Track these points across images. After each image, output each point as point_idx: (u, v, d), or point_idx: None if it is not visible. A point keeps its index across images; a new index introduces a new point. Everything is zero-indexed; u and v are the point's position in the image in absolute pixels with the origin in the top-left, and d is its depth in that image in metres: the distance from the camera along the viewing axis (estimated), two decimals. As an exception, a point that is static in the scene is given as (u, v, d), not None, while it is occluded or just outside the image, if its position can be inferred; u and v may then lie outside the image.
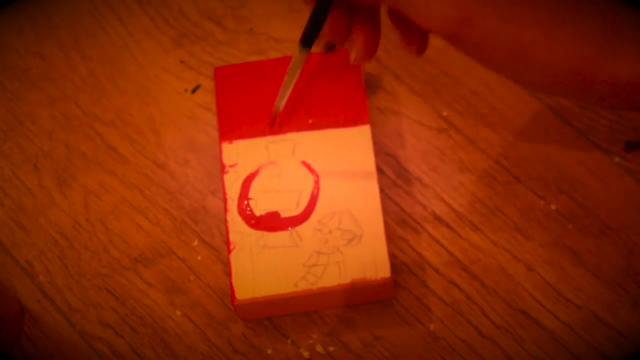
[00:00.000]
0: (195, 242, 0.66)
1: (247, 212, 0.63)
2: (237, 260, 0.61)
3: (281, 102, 0.62)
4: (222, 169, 0.64)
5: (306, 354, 0.61)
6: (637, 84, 0.47)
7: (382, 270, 0.60)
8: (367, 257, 0.60)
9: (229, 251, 0.62)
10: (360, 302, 0.62)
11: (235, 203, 0.63)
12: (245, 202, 0.63)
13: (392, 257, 0.63)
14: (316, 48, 0.56)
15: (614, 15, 0.46)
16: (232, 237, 0.62)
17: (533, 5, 0.46)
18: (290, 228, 0.62)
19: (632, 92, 0.47)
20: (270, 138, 0.65)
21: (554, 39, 0.46)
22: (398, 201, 0.65)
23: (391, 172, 0.66)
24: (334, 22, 0.53)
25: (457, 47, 0.49)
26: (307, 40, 0.54)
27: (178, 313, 0.64)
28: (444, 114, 0.68)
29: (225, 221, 0.63)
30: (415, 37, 0.53)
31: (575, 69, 0.47)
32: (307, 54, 0.55)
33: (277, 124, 0.64)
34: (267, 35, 0.72)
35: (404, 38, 0.54)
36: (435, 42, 0.56)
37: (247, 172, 0.64)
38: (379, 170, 0.66)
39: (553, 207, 0.64)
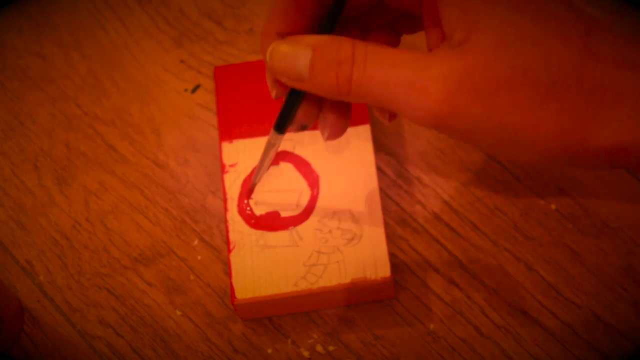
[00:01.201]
0: (195, 242, 0.66)
1: (247, 212, 0.63)
2: (237, 260, 0.61)
3: (258, 177, 0.62)
4: (222, 168, 0.64)
5: (306, 354, 0.61)
6: (622, 149, 0.48)
7: (382, 269, 0.60)
8: (367, 257, 0.60)
9: (229, 251, 0.62)
10: (360, 301, 0.62)
11: (235, 203, 0.63)
12: (245, 201, 0.63)
13: (392, 256, 0.63)
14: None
15: (594, 81, 0.47)
16: (232, 236, 0.62)
17: (515, 89, 0.47)
18: (290, 228, 0.62)
19: (619, 157, 0.48)
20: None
21: (538, 119, 0.47)
22: (398, 201, 0.65)
23: (391, 172, 0.66)
24: (305, 111, 0.54)
25: (444, 134, 0.50)
26: (281, 128, 0.56)
27: (178, 313, 0.64)
28: (444, 113, 0.68)
29: (225, 221, 0.63)
30: (334, 129, 0.55)
31: (561, 143, 0.48)
32: (282, 138, 0.57)
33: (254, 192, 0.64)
34: (267, 35, 0.72)
35: (376, 111, 0.56)
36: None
37: (247, 172, 0.64)
38: (379, 170, 0.66)
39: (553, 207, 0.64)
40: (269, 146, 0.58)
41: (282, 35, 0.52)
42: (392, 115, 0.55)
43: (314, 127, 0.55)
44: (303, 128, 0.55)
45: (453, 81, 0.47)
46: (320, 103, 0.55)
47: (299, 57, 0.50)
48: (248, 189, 0.63)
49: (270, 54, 0.51)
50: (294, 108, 0.54)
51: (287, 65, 0.50)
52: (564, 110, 0.47)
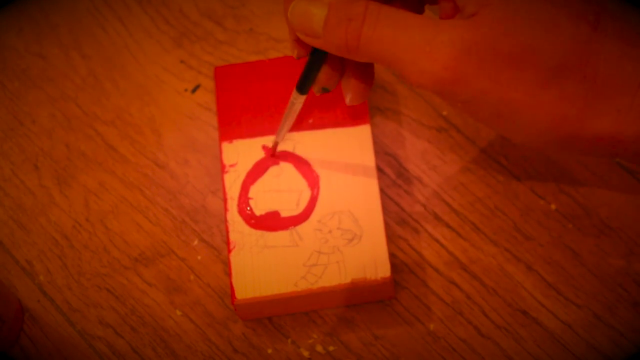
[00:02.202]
0: (195, 242, 0.66)
1: (247, 212, 0.63)
2: (237, 260, 0.61)
3: (280, 136, 0.63)
4: (222, 168, 0.64)
5: (306, 354, 0.61)
6: (617, 139, 0.48)
7: (382, 269, 0.60)
8: (367, 257, 0.60)
9: (229, 251, 0.62)
10: (360, 301, 0.62)
11: (236, 203, 0.63)
12: (246, 201, 0.63)
13: (392, 256, 0.63)
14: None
15: (597, 69, 0.48)
16: (232, 236, 0.62)
17: (519, 67, 0.48)
18: (290, 228, 0.62)
19: (613, 147, 0.49)
20: (270, 138, 0.65)
21: (538, 101, 0.48)
22: (398, 201, 0.65)
23: (391, 172, 0.66)
24: (327, 72, 0.56)
25: (444, 101, 0.51)
26: (302, 88, 0.58)
27: (178, 313, 0.64)
28: (444, 113, 0.68)
29: (225, 221, 0.63)
30: (355, 89, 0.57)
31: (557, 128, 0.49)
32: (304, 98, 0.59)
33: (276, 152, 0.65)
34: (267, 35, 0.72)
35: (344, 86, 0.57)
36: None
37: (247, 172, 0.64)
38: (379, 170, 0.66)
39: (553, 207, 0.64)
40: (291, 107, 0.60)
41: None
42: (354, 97, 0.57)
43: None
44: (324, 91, 0.57)
45: (460, 49, 0.48)
46: (342, 66, 0.56)
47: (315, 13, 0.51)
48: (271, 149, 0.64)
49: (291, 11, 0.52)
50: (315, 69, 0.55)
51: (304, 21, 0.52)
52: (564, 95, 0.48)
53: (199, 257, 0.65)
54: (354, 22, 0.50)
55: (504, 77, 0.48)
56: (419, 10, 0.57)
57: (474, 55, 0.48)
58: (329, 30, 0.51)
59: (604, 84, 0.48)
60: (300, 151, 0.64)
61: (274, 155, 0.64)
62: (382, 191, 0.65)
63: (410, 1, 0.57)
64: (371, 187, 0.63)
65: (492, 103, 0.49)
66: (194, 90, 0.71)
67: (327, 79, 0.56)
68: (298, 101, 0.59)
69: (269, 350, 0.62)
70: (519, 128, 0.50)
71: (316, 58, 0.55)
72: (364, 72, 0.56)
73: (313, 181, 0.63)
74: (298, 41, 0.55)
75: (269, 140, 0.65)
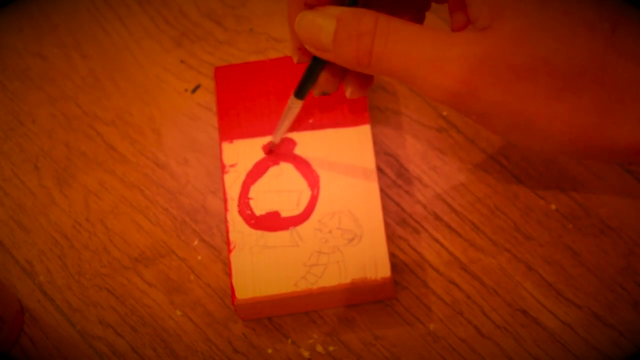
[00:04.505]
0: (195, 242, 0.66)
1: (247, 212, 0.63)
2: (237, 260, 0.61)
3: (277, 137, 0.63)
4: (222, 168, 0.64)
5: (306, 354, 0.61)
6: (636, 149, 0.48)
7: (382, 270, 0.60)
8: (368, 257, 0.60)
9: (229, 251, 0.62)
10: (360, 302, 0.62)
11: (236, 203, 0.63)
12: (246, 201, 0.63)
13: (392, 256, 0.63)
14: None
15: (615, 77, 0.47)
16: (232, 236, 0.62)
17: (534, 78, 0.47)
18: (290, 228, 0.62)
19: (632, 156, 0.48)
20: (270, 138, 0.65)
21: (554, 112, 0.48)
22: (398, 201, 0.65)
23: (391, 172, 0.66)
24: (328, 77, 0.56)
25: (458, 111, 0.51)
26: (300, 93, 0.58)
27: (178, 313, 0.64)
28: (444, 113, 0.68)
29: (226, 221, 0.63)
30: (357, 84, 0.56)
31: (575, 138, 0.48)
32: (301, 103, 0.59)
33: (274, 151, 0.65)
34: (267, 35, 0.72)
35: (347, 85, 0.57)
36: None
37: (247, 172, 0.64)
38: (379, 170, 0.66)
39: (553, 207, 0.64)
40: (287, 112, 0.60)
41: (309, 6, 0.53)
42: (355, 91, 0.56)
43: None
44: (324, 94, 0.57)
45: (473, 63, 0.47)
46: (343, 72, 0.56)
47: (323, 27, 0.51)
48: (268, 149, 0.64)
49: (298, 23, 0.52)
50: (316, 74, 0.55)
51: (313, 35, 0.51)
52: (581, 105, 0.47)
53: (199, 257, 0.65)
54: (364, 38, 0.49)
55: (518, 89, 0.47)
56: (421, 17, 0.57)
57: (486, 68, 0.47)
58: (339, 45, 0.51)
59: (623, 92, 0.47)
60: (300, 151, 0.64)
61: (269, 154, 0.64)
62: (382, 191, 0.65)
63: (411, 11, 0.56)
64: (371, 187, 0.63)
65: (507, 115, 0.48)
66: (194, 90, 0.71)
67: (328, 83, 0.56)
68: (295, 106, 0.59)
69: (269, 350, 0.62)
70: (536, 139, 0.49)
71: (316, 66, 0.55)
72: (365, 75, 0.56)
73: (313, 181, 0.63)
74: (299, 48, 0.55)
75: (269, 141, 0.65)
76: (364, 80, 0.56)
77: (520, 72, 0.47)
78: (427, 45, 0.48)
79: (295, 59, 0.56)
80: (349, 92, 0.56)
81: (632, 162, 0.49)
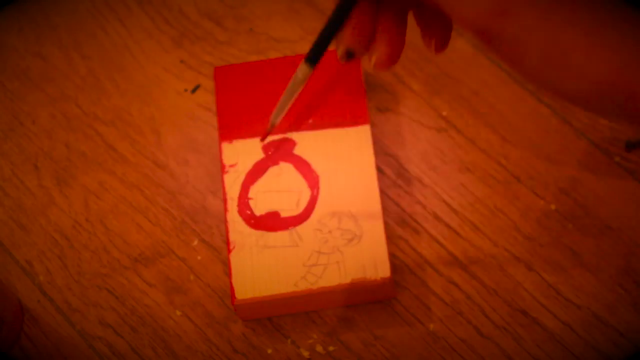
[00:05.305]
0: (195, 242, 0.66)
1: (247, 212, 0.63)
2: (237, 260, 0.61)
3: (278, 117, 0.59)
4: (222, 168, 0.64)
5: (306, 354, 0.61)
6: None
7: (382, 270, 0.60)
8: (367, 257, 0.60)
9: (229, 251, 0.62)
10: (360, 302, 0.62)
11: (235, 203, 0.63)
12: (246, 202, 0.63)
13: (392, 257, 0.63)
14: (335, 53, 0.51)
15: None
16: (232, 237, 0.62)
17: (575, 3, 0.44)
18: (290, 228, 0.62)
19: None
20: (270, 138, 0.65)
21: (594, 43, 0.43)
22: (398, 201, 0.65)
23: (391, 172, 0.66)
24: (358, 24, 0.48)
25: (487, 45, 0.46)
26: (314, 57, 0.50)
27: (178, 313, 0.64)
28: (444, 114, 0.68)
29: (225, 221, 0.63)
30: (437, 33, 0.50)
31: (615, 79, 0.43)
32: (311, 71, 0.52)
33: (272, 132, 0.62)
34: (267, 35, 0.72)
35: (425, 34, 0.51)
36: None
37: (247, 172, 0.64)
38: (379, 170, 0.66)
39: (553, 207, 0.64)
40: (295, 81, 0.54)
41: None
42: (442, 43, 0.50)
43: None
44: (349, 56, 0.49)
45: None
46: (375, 21, 0.49)
47: None
48: (265, 132, 0.62)
49: None
50: (344, 16, 0.47)
51: None
52: (624, 43, 0.43)
53: (199, 257, 0.65)
54: None
55: (556, 16, 0.43)
56: (403, 19, 0.51)
57: None
58: None
59: None
60: (300, 151, 0.64)
61: (266, 137, 0.62)
62: (382, 191, 0.65)
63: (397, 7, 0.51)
64: (371, 187, 0.63)
65: (541, 43, 0.44)
66: (194, 90, 0.71)
67: (357, 34, 0.48)
68: (303, 76, 0.52)
69: (269, 350, 0.62)
70: (569, 77, 0.44)
71: (347, 3, 0.47)
72: (398, 29, 0.49)
73: (313, 181, 0.63)
74: None
75: (268, 141, 0.65)
76: (396, 44, 0.49)
77: None
78: None
79: None
80: (374, 59, 0.49)
81: None
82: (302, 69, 0.52)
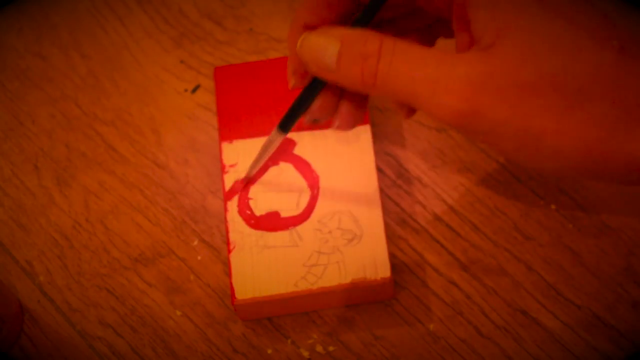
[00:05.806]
0: (195, 242, 0.66)
1: (247, 212, 0.63)
2: (237, 260, 0.61)
3: (253, 171, 0.63)
4: (222, 169, 0.64)
5: (306, 354, 0.61)
6: None
7: (382, 270, 0.60)
8: (367, 257, 0.60)
9: (229, 251, 0.62)
10: (360, 302, 0.62)
11: (235, 203, 0.63)
12: (246, 202, 0.63)
13: (392, 257, 0.63)
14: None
15: (625, 92, 0.46)
16: (232, 237, 0.62)
17: (541, 94, 0.46)
18: (290, 228, 0.62)
19: None
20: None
21: (563, 126, 0.46)
22: (398, 201, 0.65)
23: (391, 172, 0.66)
24: (324, 103, 0.55)
25: (464, 135, 0.50)
26: (285, 126, 0.57)
27: (178, 313, 0.64)
28: (444, 113, 0.68)
29: (225, 221, 0.63)
30: (407, 107, 0.55)
31: (586, 153, 0.47)
32: (284, 136, 0.58)
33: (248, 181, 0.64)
34: (267, 35, 0.72)
35: (396, 105, 0.56)
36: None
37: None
38: (379, 170, 0.66)
39: (553, 207, 0.64)
40: (268, 144, 0.60)
41: (310, 28, 0.53)
42: (411, 111, 0.55)
43: (321, 126, 0.55)
44: (315, 121, 0.56)
45: (478, 81, 0.47)
46: (338, 99, 0.55)
47: (327, 48, 0.50)
48: (238, 185, 0.64)
49: (301, 44, 0.52)
50: (311, 98, 0.54)
51: (316, 55, 0.51)
52: (591, 118, 0.46)
53: (199, 257, 0.65)
54: (370, 59, 0.49)
55: (525, 106, 0.46)
56: (430, 44, 0.57)
57: (492, 86, 0.47)
58: (344, 67, 0.50)
59: (635, 107, 0.46)
60: (300, 151, 0.64)
61: (244, 187, 0.64)
62: (382, 191, 0.65)
63: (421, 37, 0.56)
64: (371, 187, 0.63)
65: (514, 133, 0.47)
66: (194, 90, 0.71)
67: (322, 108, 0.55)
68: (277, 140, 0.59)
69: (269, 351, 0.62)
70: (545, 157, 0.48)
71: (316, 86, 0.54)
72: (360, 102, 0.55)
73: (313, 181, 0.63)
74: (296, 72, 0.54)
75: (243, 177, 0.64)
76: (356, 114, 0.55)
77: (526, 88, 0.46)
78: (431, 65, 0.48)
79: (291, 84, 0.55)
80: (336, 124, 0.55)
81: None
82: (275, 134, 0.58)
